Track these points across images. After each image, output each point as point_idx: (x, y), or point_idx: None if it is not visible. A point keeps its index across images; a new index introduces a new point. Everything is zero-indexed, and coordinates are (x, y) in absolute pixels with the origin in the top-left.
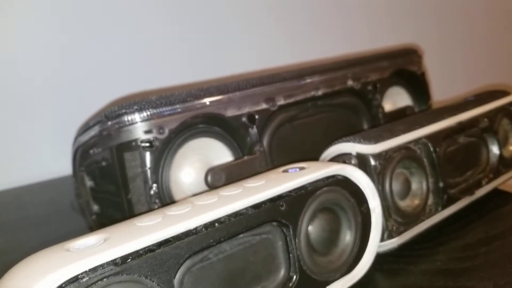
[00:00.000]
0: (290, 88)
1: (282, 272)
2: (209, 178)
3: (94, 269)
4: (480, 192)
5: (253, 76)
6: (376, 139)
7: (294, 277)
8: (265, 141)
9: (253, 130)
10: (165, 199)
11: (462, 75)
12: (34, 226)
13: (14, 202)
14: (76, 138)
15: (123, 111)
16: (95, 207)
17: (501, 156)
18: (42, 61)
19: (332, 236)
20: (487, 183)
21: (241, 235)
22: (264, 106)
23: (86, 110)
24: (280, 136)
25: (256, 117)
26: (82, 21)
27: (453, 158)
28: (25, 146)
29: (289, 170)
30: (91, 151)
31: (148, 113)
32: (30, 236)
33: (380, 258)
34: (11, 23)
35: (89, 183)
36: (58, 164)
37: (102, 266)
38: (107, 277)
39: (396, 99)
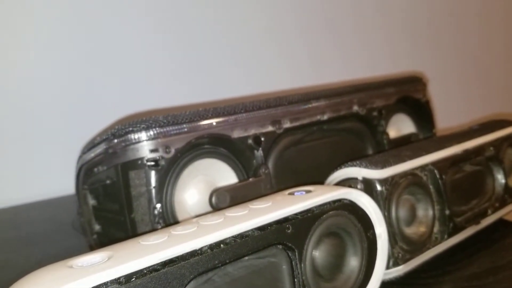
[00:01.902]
0: (296, 111)
1: None
2: (213, 199)
3: (97, 287)
4: (485, 222)
5: (259, 98)
6: (383, 164)
7: None
8: (270, 164)
9: (259, 152)
10: (169, 219)
11: (465, 104)
12: (33, 244)
13: (14, 220)
14: (80, 156)
15: (130, 129)
16: (97, 227)
17: (506, 185)
18: (47, 79)
19: (337, 262)
20: (493, 212)
21: (246, 257)
22: (270, 128)
23: (90, 128)
24: (285, 159)
25: (262, 139)
26: (91, 38)
27: (459, 186)
28: (27, 164)
29: (295, 193)
30: (95, 169)
31: (155, 131)
32: (28, 254)
33: (385, 286)
34: (19, 41)
35: (92, 201)
36: (61, 183)
37: (105, 284)
38: None
39: (400, 126)
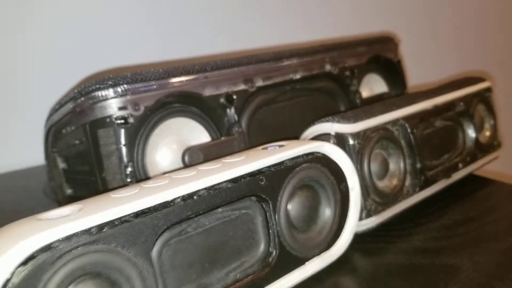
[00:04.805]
0: (268, 69)
1: (261, 248)
2: (186, 157)
3: (68, 238)
4: (456, 176)
5: (231, 56)
6: (355, 119)
7: (274, 252)
8: (243, 123)
9: (231, 111)
10: (141, 178)
11: (437, 63)
12: (5, 212)
13: None
14: (48, 118)
15: (97, 86)
16: (68, 190)
17: (477, 140)
18: (12, 42)
19: (311, 213)
20: (464, 166)
21: (220, 209)
22: (242, 86)
23: (61, 93)
24: (258, 118)
25: (234, 97)
26: None
27: (430, 140)
28: None
29: (269, 148)
30: (63, 130)
31: (123, 88)
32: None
33: (359, 238)
34: None
35: (62, 164)
36: (33, 153)
37: (76, 234)
38: (82, 245)
39: (373, 86)
